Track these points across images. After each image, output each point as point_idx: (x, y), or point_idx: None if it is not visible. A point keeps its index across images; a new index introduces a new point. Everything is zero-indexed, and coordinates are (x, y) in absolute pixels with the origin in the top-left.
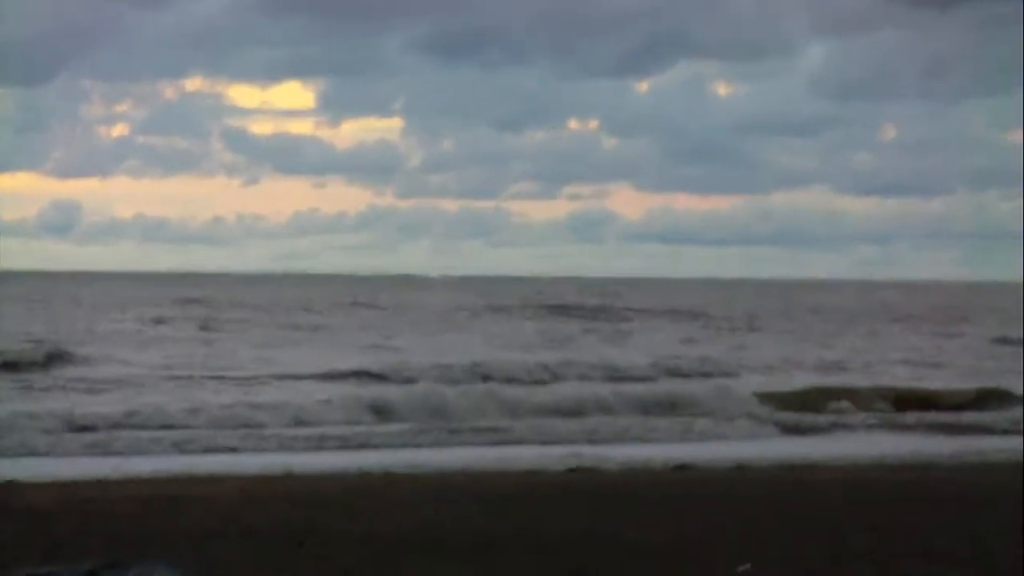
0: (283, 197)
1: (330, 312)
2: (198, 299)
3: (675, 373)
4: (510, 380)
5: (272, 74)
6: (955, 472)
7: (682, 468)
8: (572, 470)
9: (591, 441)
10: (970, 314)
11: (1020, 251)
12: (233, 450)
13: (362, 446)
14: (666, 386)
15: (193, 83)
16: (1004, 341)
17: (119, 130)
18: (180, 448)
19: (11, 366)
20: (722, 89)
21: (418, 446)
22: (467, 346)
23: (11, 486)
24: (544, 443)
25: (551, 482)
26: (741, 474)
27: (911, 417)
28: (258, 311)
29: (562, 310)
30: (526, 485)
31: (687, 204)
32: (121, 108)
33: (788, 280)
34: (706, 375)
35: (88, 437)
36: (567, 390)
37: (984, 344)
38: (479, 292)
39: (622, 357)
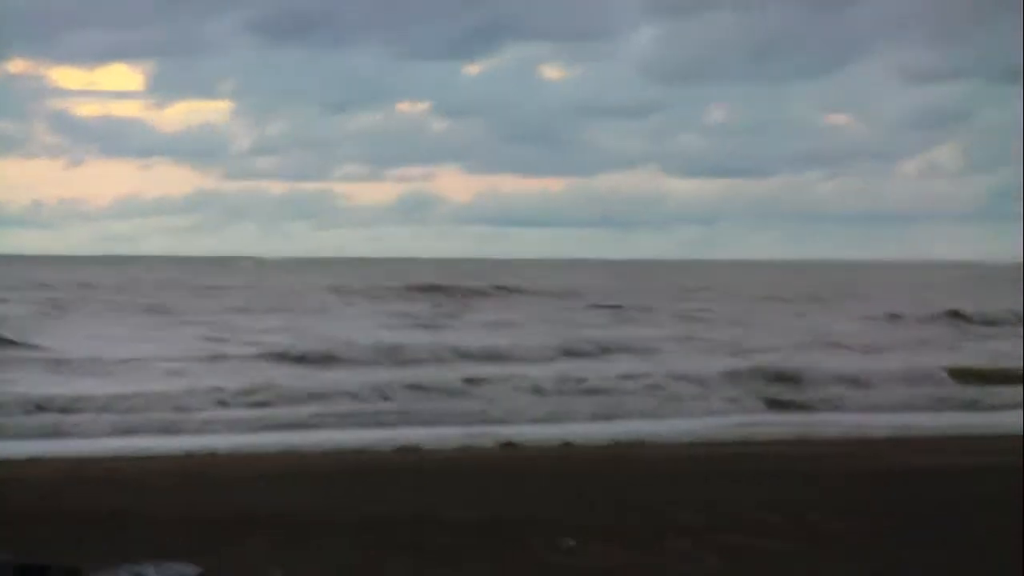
0: (107, 179)
1: (169, 294)
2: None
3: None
4: (361, 362)
5: (98, 56)
6: (785, 447)
7: (509, 446)
8: (399, 450)
9: (424, 423)
10: (827, 292)
11: (839, 231)
12: (58, 434)
13: (196, 431)
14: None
15: (16, 65)
16: (872, 319)
17: None
18: (3, 431)
19: None
20: (552, 72)
21: (252, 430)
22: (318, 328)
23: None
24: (376, 425)
25: (377, 463)
26: (567, 451)
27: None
28: (88, 290)
29: (435, 290)
30: (352, 466)
31: (516, 186)
32: None
33: (623, 261)
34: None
35: None
36: (419, 372)
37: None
38: (323, 273)
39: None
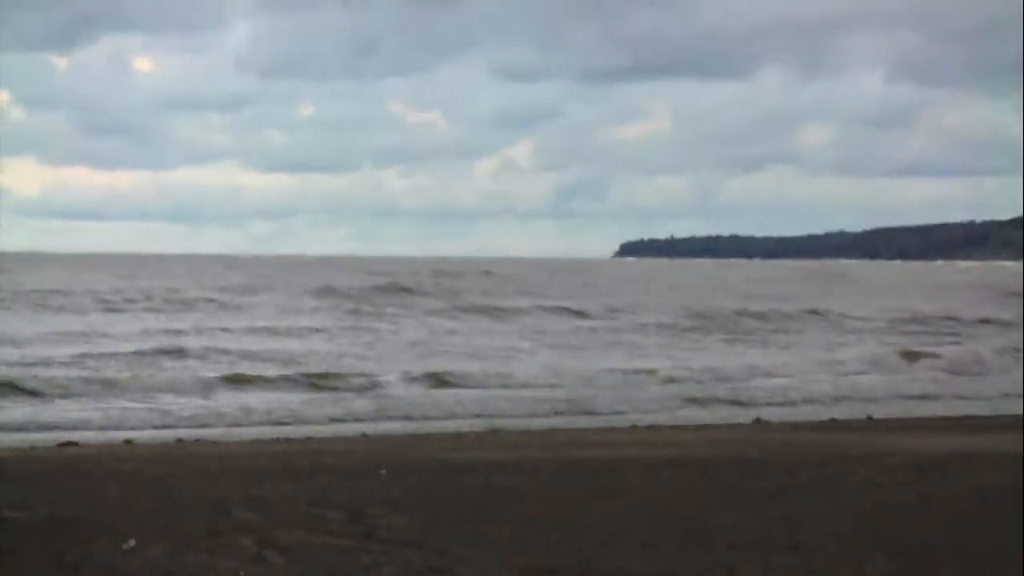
0: None
1: None
2: None
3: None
4: None
5: None
6: (352, 443)
7: (68, 445)
8: None
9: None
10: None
11: (410, 227)
12: None
13: None
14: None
15: None
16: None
17: None
18: None
19: None
20: (145, 64)
21: None
22: None
23: None
24: None
25: None
26: (128, 450)
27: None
28: None
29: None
30: None
31: (87, 179)
32: None
33: (189, 255)
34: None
35: None
36: None
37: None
38: None
39: None
